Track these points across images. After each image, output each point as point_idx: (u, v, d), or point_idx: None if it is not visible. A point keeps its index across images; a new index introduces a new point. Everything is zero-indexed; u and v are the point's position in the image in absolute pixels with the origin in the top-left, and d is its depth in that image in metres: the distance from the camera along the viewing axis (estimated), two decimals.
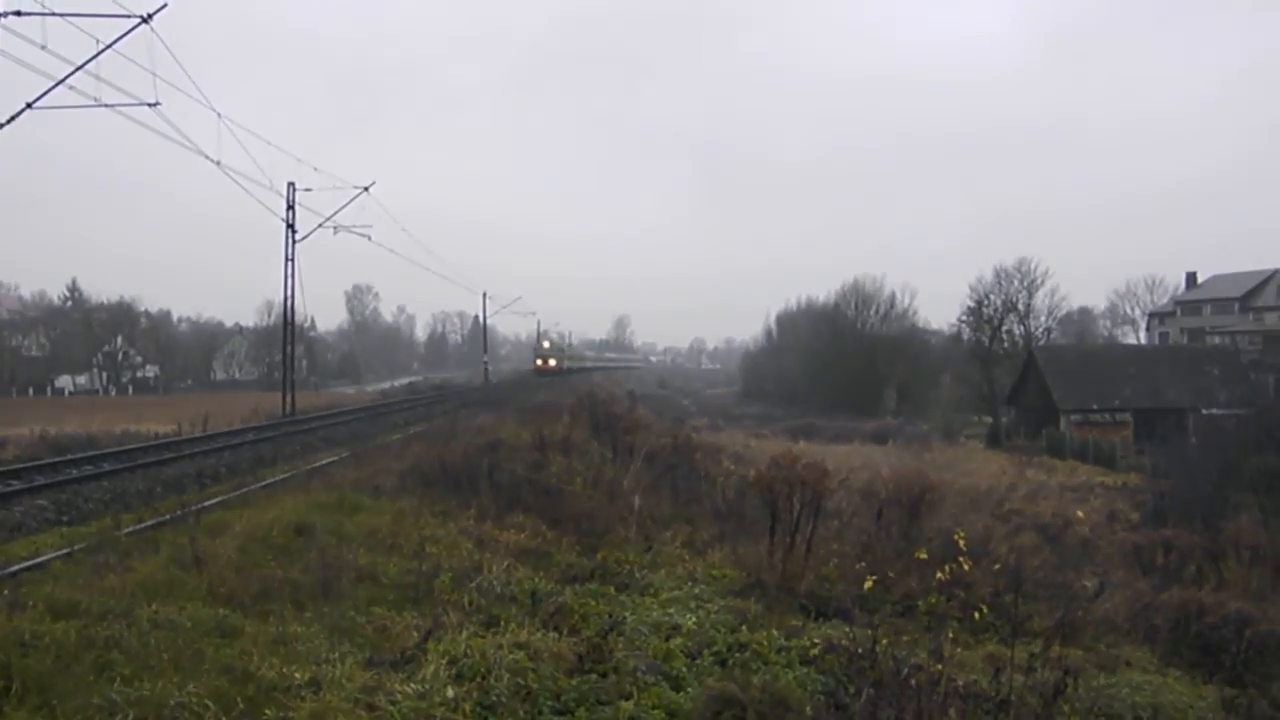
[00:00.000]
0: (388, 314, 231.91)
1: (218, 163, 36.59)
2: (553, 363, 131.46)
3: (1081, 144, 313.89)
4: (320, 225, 53.85)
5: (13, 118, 28.04)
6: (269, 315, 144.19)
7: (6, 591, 11.13)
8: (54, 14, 27.47)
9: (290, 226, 52.79)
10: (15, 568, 13.52)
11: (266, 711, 8.16)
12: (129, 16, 29.18)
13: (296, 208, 52.58)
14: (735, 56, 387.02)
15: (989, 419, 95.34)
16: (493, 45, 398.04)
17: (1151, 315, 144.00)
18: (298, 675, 9.00)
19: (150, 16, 29.33)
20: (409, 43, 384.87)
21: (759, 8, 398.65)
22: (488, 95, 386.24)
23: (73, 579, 12.27)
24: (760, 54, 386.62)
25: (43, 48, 27.04)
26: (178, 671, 8.68)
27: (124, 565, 13.05)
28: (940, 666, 9.13)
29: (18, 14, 27.13)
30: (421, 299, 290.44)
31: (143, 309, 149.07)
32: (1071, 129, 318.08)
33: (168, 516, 17.23)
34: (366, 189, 53.81)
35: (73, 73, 28.37)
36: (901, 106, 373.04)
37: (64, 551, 14.56)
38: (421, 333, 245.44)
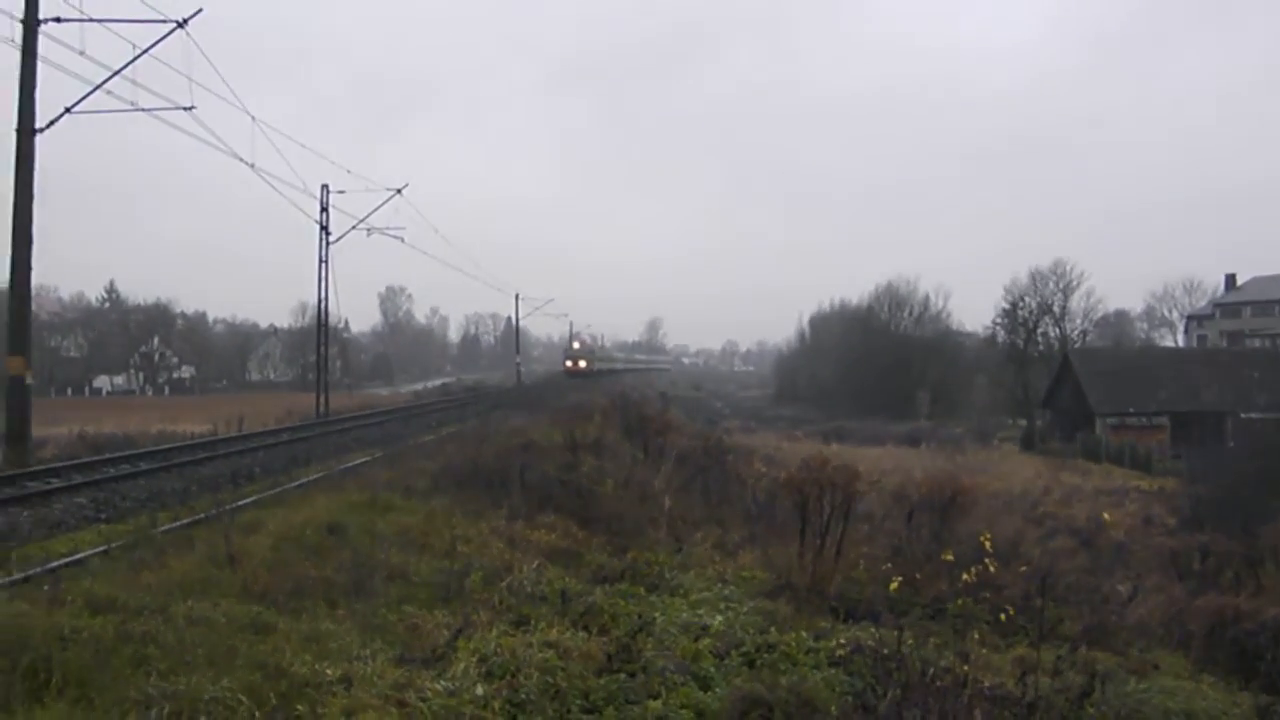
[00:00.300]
0: (421, 315, 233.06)
1: (252, 165, 36.92)
2: (583, 364, 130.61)
3: (1118, 146, 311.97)
4: (354, 227, 54.23)
5: (51, 123, 28.29)
6: (303, 317, 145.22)
7: (47, 587, 11.26)
8: (91, 19, 27.80)
9: (324, 229, 53.16)
10: (55, 564, 13.65)
11: (299, 707, 8.23)
12: (164, 21, 29.44)
13: (330, 210, 53.04)
14: (773, 62, 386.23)
15: (1023, 422, 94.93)
16: (527, 49, 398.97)
17: (1190, 318, 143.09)
18: (330, 672, 9.06)
19: (185, 21, 29.56)
20: (443, 46, 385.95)
21: (798, 13, 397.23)
22: (521, 98, 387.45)
23: (110, 575, 12.39)
24: (798, 59, 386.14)
25: (81, 53, 27.34)
26: (212, 667, 8.75)
27: (160, 562, 13.19)
28: (966, 668, 9.14)
29: (57, 20, 27.45)
30: (455, 301, 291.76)
31: (179, 310, 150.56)
32: (1108, 132, 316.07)
33: (203, 515, 17.36)
34: (399, 191, 54.16)
35: (110, 78, 28.63)
36: (937, 113, 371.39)
37: (102, 549, 14.68)
38: (454, 334, 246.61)
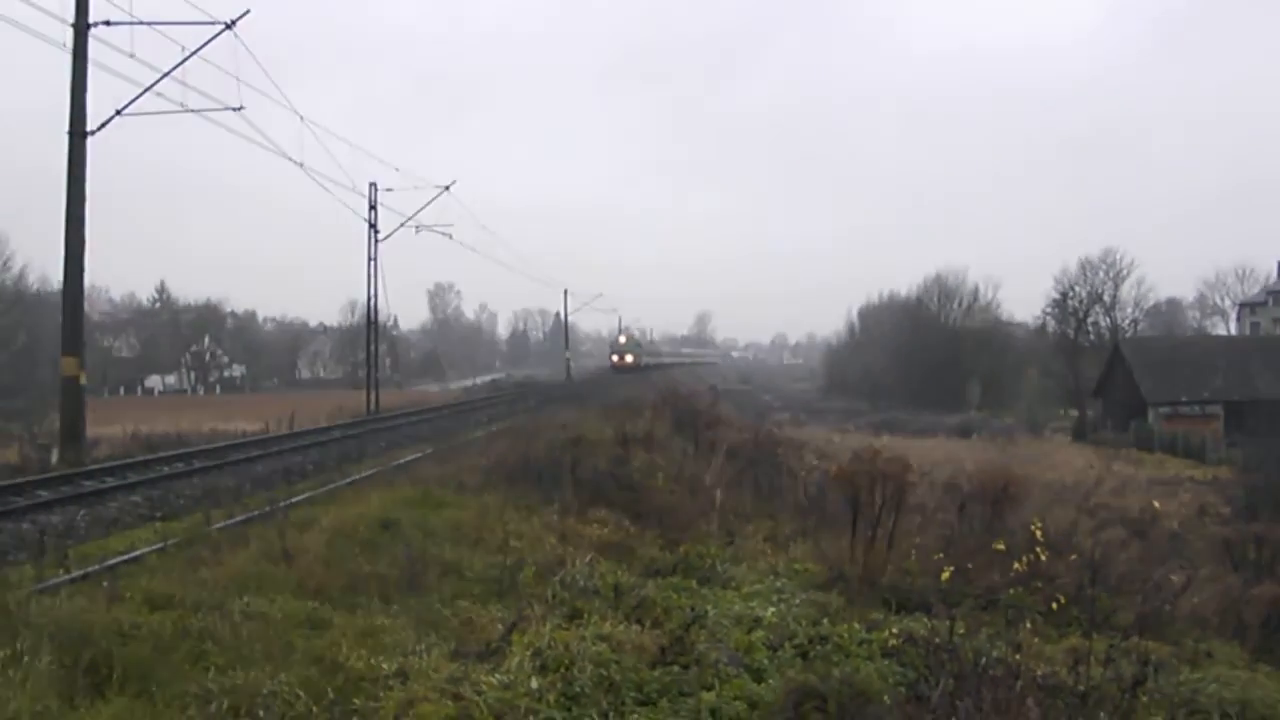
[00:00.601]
0: (470, 312, 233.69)
1: (300, 164, 37.19)
2: (629, 359, 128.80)
3: (1168, 135, 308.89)
4: (402, 225, 54.49)
5: (103, 124, 28.63)
6: (352, 314, 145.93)
7: (106, 584, 11.42)
8: (141, 22, 28.10)
9: (373, 226, 53.48)
10: (113, 561, 13.81)
11: (355, 701, 8.33)
12: (212, 23, 29.72)
13: (378, 208, 53.29)
14: (825, 54, 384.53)
15: (1075, 412, 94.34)
16: (580, 46, 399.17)
17: (1242, 305, 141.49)
18: (385, 666, 9.15)
19: (233, 23, 29.82)
20: (496, 43, 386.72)
21: (852, 9, 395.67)
22: (572, 92, 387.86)
23: (168, 572, 12.56)
24: (850, 55, 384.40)
25: (131, 56, 27.63)
26: (269, 662, 8.87)
27: (216, 559, 13.36)
28: (1019, 657, 9.12)
29: (106, 23, 27.77)
30: (503, 296, 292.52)
31: (229, 309, 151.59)
32: (1161, 120, 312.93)
33: (257, 512, 17.56)
34: (447, 188, 54.38)
35: (159, 79, 28.93)
36: (987, 106, 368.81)
37: (158, 546, 14.84)
38: (503, 330, 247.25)
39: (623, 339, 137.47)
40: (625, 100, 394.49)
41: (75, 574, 12.88)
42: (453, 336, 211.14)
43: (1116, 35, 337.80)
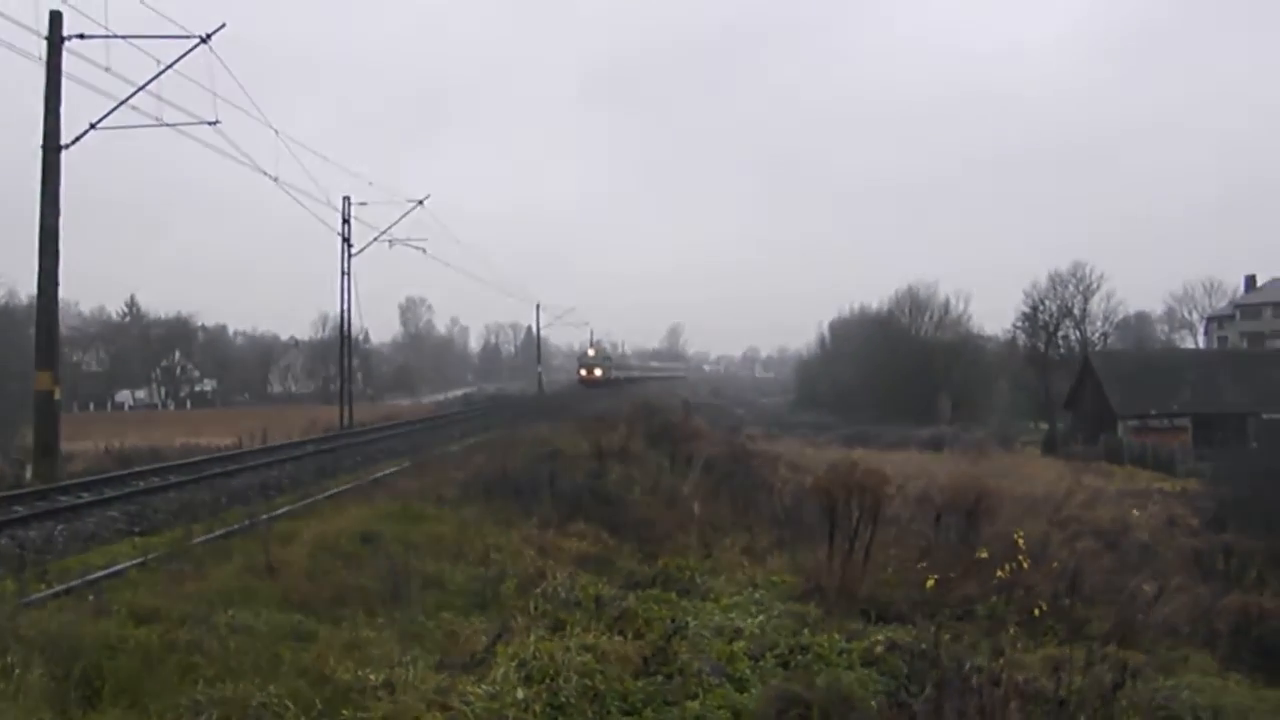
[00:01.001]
0: (441, 326, 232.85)
1: (275, 179, 37.14)
2: (598, 373, 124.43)
3: (1138, 150, 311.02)
4: (375, 239, 54.36)
5: (77, 139, 28.52)
6: (324, 328, 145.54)
7: (92, 598, 11.47)
8: (116, 36, 28.06)
9: (346, 241, 53.35)
10: (95, 575, 13.82)
11: (344, 712, 8.42)
12: (188, 37, 29.68)
13: (352, 221, 53.16)
14: (799, 72, 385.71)
15: (1045, 425, 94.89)
16: (558, 60, 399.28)
17: (1210, 319, 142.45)
18: (372, 677, 9.24)
19: (208, 37, 29.75)
20: (471, 57, 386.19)
21: (827, 22, 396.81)
22: (549, 106, 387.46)
23: (151, 586, 12.62)
24: (822, 70, 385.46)
25: (106, 70, 27.61)
26: (257, 674, 8.96)
27: (199, 573, 13.42)
28: (1002, 661, 9.30)
29: (81, 37, 27.73)
30: (475, 311, 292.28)
31: (199, 323, 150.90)
32: (1129, 136, 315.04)
33: (237, 526, 17.60)
34: (421, 202, 54.32)
35: (134, 93, 28.84)
36: (957, 118, 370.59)
37: (139, 560, 14.86)
38: (475, 344, 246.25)
39: (591, 352, 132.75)
40: (601, 114, 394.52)
41: (58, 588, 12.91)
42: (424, 351, 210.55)
43: (1088, 50, 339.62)
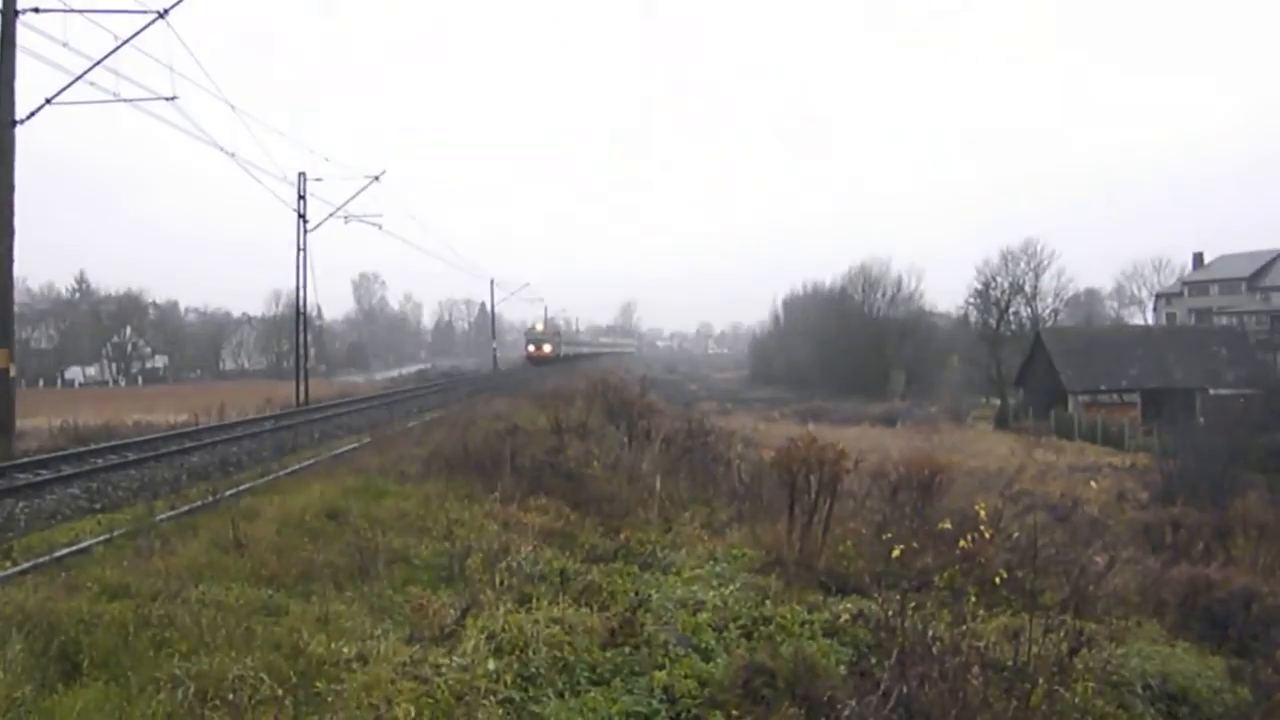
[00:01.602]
0: (395, 302, 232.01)
1: (232, 155, 37.07)
2: (547, 349, 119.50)
3: (1088, 126, 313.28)
4: (331, 215, 54.33)
5: (33, 113, 28.36)
6: (277, 305, 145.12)
7: (64, 574, 11.57)
8: (72, 10, 27.87)
9: (302, 216, 53.15)
10: (61, 552, 13.89)
11: (318, 684, 8.56)
12: (145, 12, 29.53)
13: (308, 198, 52.99)
14: (751, 40, 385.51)
15: (997, 401, 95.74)
16: (509, 23, 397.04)
17: (1159, 296, 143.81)
18: (345, 650, 9.38)
19: (165, 12, 29.64)
20: (423, 19, 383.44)
21: None
22: (512, 74, 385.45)
23: (118, 562, 12.67)
24: (778, 36, 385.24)
25: (64, 45, 27.43)
26: (231, 647, 9.08)
27: (166, 549, 13.51)
28: (964, 627, 9.57)
29: (35, 11, 27.52)
30: (429, 287, 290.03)
31: (150, 300, 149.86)
32: (1079, 111, 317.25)
33: (200, 503, 17.64)
34: (377, 178, 54.23)
35: (90, 68, 28.68)
36: (910, 93, 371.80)
37: (104, 538, 14.89)
38: (429, 320, 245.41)
39: (539, 327, 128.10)
40: (552, 83, 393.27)
41: (24, 565, 13.00)
42: (378, 327, 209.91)
43: (1038, 24, 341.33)
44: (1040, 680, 8.53)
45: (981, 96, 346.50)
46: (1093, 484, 39.56)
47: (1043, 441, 67.19)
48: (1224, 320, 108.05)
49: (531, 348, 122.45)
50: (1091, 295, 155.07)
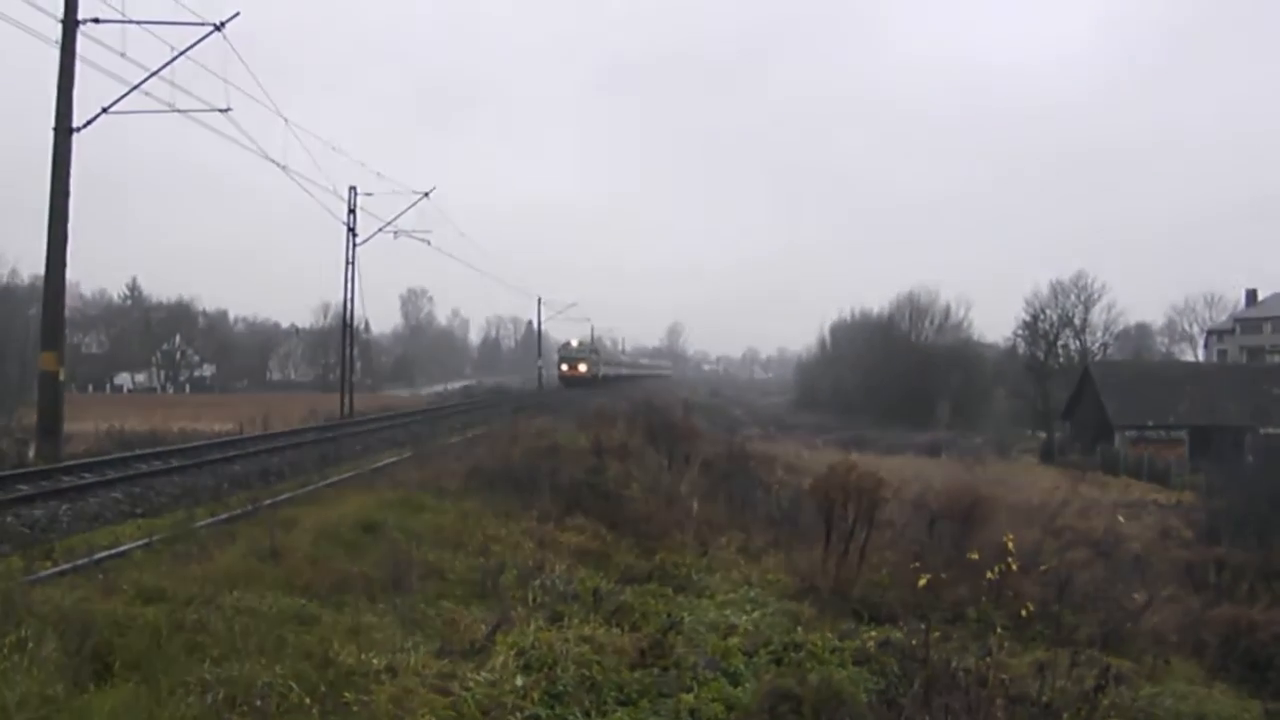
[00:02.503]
0: (442, 318, 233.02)
1: (284, 167, 37.35)
2: (583, 368, 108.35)
3: (1144, 160, 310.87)
4: (380, 229, 54.57)
5: (89, 121, 28.68)
6: (325, 317, 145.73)
7: (101, 576, 11.68)
8: (130, 21, 28.26)
9: (351, 230, 53.49)
10: (100, 555, 14.00)
11: (347, 694, 8.59)
12: (202, 24, 29.87)
13: (357, 212, 53.32)
14: (799, 76, 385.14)
15: (1043, 434, 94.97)
16: (573, 55, 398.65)
17: (1210, 332, 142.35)
18: (375, 662, 9.43)
19: (223, 24, 29.96)
20: (490, 51, 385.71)
21: (824, 33, 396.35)
22: (562, 102, 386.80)
23: (155, 567, 12.79)
24: (831, 70, 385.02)
25: (121, 55, 27.80)
26: (262, 655, 9.12)
27: (204, 555, 13.62)
28: (989, 660, 9.50)
29: (95, 21, 27.92)
30: (476, 303, 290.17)
31: (200, 309, 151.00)
32: (1133, 148, 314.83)
33: (239, 511, 17.80)
34: (426, 194, 54.39)
35: (147, 79, 29.02)
36: (964, 125, 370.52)
37: (143, 542, 15.03)
38: (475, 337, 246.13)
39: (574, 343, 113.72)
40: (613, 112, 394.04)
41: (64, 566, 13.13)
42: (424, 342, 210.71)
43: (1097, 61, 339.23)
44: (1064, 717, 8.46)
45: (1035, 129, 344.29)
46: (1120, 518, 39.10)
47: (1088, 476, 66.57)
48: (1277, 359, 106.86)
49: (565, 366, 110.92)
50: (1142, 330, 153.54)
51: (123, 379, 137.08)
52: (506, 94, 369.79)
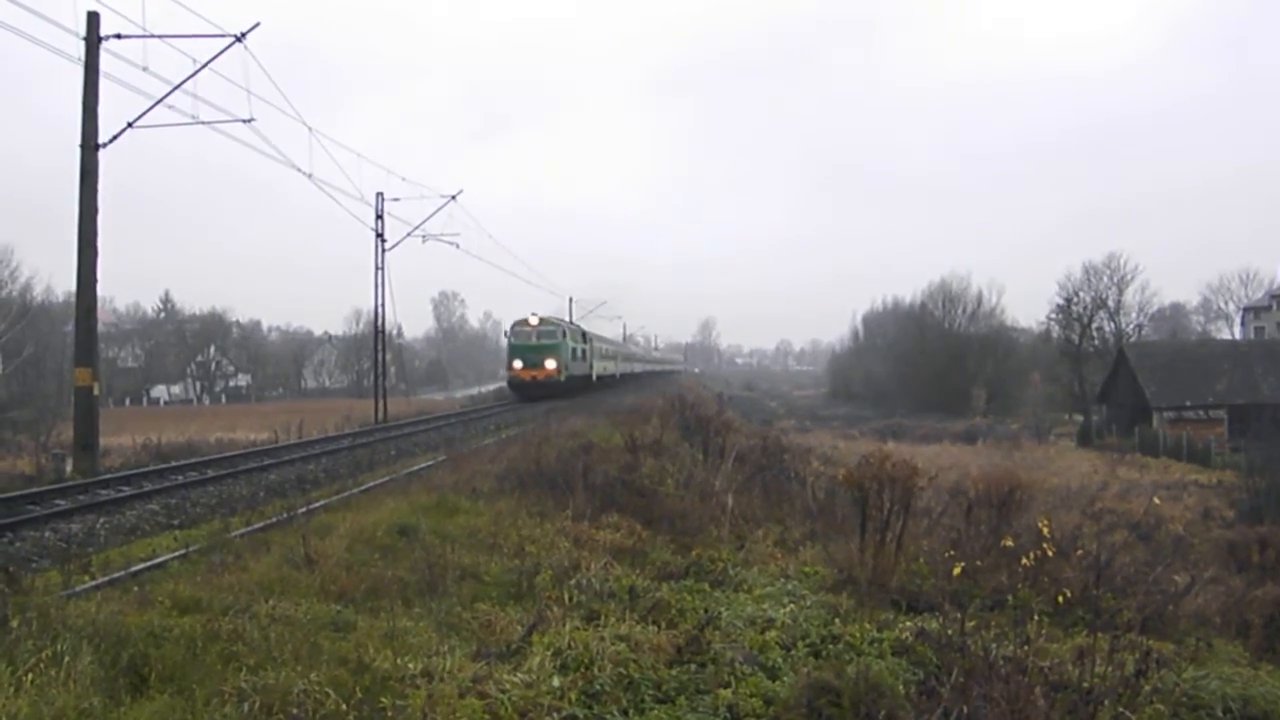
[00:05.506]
0: (474, 320, 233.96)
1: (309, 175, 37.49)
2: (550, 365, 69.00)
3: (1180, 137, 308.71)
4: (409, 234, 54.83)
5: (114, 137, 28.91)
6: (357, 323, 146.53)
7: (136, 589, 11.71)
8: (152, 35, 28.44)
9: (380, 236, 53.70)
10: (137, 567, 14.07)
11: (383, 700, 8.55)
12: (223, 36, 30.00)
13: (385, 217, 53.49)
14: (830, 68, 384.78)
15: (1079, 417, 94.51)
16: (619, 57, 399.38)
17: (1246, 310, 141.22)
18: (410, 666, 9.39)
19: (243, 35, 30.08)
20: (510, 51, 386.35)
21: (857, 22, 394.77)
22: (601, 102, 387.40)
23: (191, 577, 12.81)
24: (856, 65, 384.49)
25: (144, 69, 27.97)
26: (298, 662, 9.11)
27: (239, 565, 13.63)
28: (1027, 648, 9.40)
29: (118, 37, 28.10)
30: (508, 305, 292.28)
31: (234, 319, 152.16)
32: (1172, 123, 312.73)
33: (274, 519, 17.79)
34: (454, 198, 54.49)
35: (170, 92, 29.21)
36: (994, 108, 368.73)
37: (180, 553, 15.08)
38: None
39: (533, 319, 71.12)
40: (653, 111, 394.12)
41: (101, 579, 13.18)
42: (457, 345, 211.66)
43: (1138, 35, 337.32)
44: (1105, 702, 8.35)
45: (1068, 107, 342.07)
46: (1156, 500, 38.79)
47: (1126, 459, 66.30)
48: None
49: (518, 363, 69.34)
50: (1177, 310, 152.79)
51: (159, 391, 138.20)
52: (530, 96, 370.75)
